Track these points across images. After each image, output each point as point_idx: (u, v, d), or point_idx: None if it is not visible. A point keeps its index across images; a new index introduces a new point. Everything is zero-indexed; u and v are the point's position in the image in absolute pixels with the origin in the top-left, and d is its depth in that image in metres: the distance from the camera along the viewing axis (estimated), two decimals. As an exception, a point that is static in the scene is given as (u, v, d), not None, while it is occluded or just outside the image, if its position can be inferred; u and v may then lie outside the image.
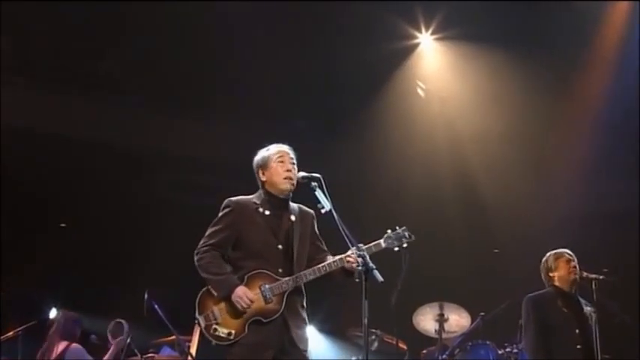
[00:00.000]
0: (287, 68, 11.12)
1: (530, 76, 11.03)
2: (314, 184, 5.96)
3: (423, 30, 11.23)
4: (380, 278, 5.47)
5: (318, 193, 5.90)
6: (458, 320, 9.95)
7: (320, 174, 5.99)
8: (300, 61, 11.11)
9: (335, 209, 5.75)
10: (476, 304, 9.97)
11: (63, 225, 11.92)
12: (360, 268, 5.64)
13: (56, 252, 10.92)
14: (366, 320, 5.46)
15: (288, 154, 6.24)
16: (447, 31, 11.13)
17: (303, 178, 6.07)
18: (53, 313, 10.07)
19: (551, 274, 8.05)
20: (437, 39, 11.34)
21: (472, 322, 9.81)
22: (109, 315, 10.33)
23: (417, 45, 11.45)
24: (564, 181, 11.66)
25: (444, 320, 9.91)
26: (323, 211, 5.83)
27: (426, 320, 10.03)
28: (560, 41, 10.78)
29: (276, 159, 6.18)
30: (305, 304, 6.14)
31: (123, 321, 9.41)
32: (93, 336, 9.63)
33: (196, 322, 5.98)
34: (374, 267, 5.54)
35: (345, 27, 10.76)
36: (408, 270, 7.68)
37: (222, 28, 10.45)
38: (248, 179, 6.29)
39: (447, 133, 12.01)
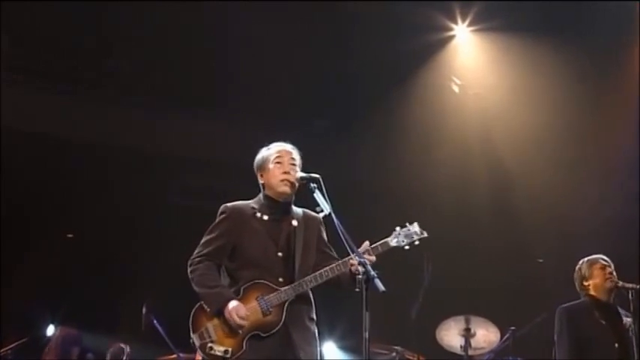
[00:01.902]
0: (308, 64, 11.08)
1: (574, 71, 10.85)
2: (313, 185, 5.77)
3: (459, 21, 11.11)
4: (382, 287, 5.24)
5: (317, 195, 5.72)
6: (486, 335, 9.83)
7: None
8: (321, 56, 11.06)
9: (335, 212, 5.58)
10: (506, 318, 9.83)
11: (70, 235, 11.84)
12: (360, 276, 5.44)
13: (56, 262, 10.81)
14: (367, 334, 5.29)
15: (290, 153, 6.06)
16: (486, 23, 11.00)
17: (301, 179, 5.90)
18: (51, 330, 9.98)
19: (585, 283, 7.81)
20: (474, 31, 11.22)
21: (502, 338, 9.68)
22: (111, 331, 10.25)
23: (451, 37, 11.35)
24: (606, 182, 11.41)
25: (471, 335, 9.79)
26: (322, 214, 5.67)
27: (450, 335, 9.89)
28: (606, 34, 10.62)
29: (274, 159, 6.02)
30: (314, 316, 5.96)
31: (125, 346, 9.28)
32: (89, 354, 9.53)
33: (191, 341, 5.83)
34: (375, 275, 5.32)
35: (372, 18, 10.65)
36: (431, 280, 7.53)
37: (238, 26, 10.42)
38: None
39: (481, 132, 11.86)
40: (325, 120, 12.06)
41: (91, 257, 11.05)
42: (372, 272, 5.34)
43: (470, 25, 11.14)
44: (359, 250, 5.58)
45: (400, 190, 12.16)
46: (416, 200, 11.76)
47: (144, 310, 8.69)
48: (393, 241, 5.85)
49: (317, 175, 5.83)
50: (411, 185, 12.05)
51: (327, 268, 5.80)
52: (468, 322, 9.79)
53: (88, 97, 11.22)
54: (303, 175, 5.92)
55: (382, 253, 5.75)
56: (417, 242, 5.87)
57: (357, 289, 5.54)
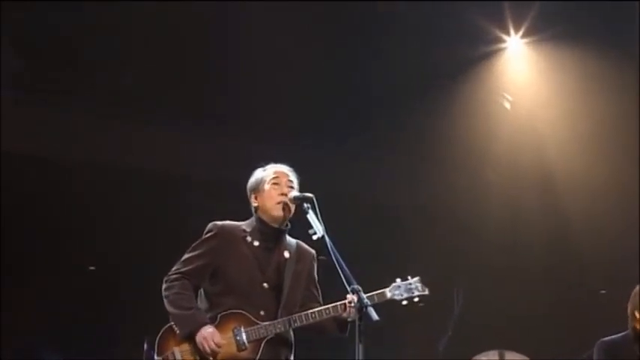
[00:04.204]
0: (338, 78, 10.92)
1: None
2: (306, 205, 5.70)
3: (512, 32, 10.91)
4: (375, 317, 5.15)
5: (311, 216, 5.64)
6: (521, 373, 9.67)
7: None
8: (355, 70, 10.89)
9: (328, 233, 5.49)
10: (544, 354, 9.72)
11: (92, 268, 11.80)
12: (352, 305, 5.35)
13: (61, 295, 10.76)
14: (360, 368, 5.11)
15: (287, 175, 6.00)
16: (541, 33, 10.76)
17: (294, 198, 5.83)
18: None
19: (637, 314, 7.19)
20: (528, 42, 11.01)
21: (539, 375, 9.48)
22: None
23: (503, 50, 11.16)
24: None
25: (505, 372, 9.60)
26: (315, 237, 5.57)
27: (482, 372, 9.72)
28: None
29: (270, 181, 5.95)
30: (292, 358, 5.89)
31: None
32: None
33: (153, 365, 5.73)
34: (369, 303, 5.23)
35: (415, 29, 10.48)
36: (462, 311, 7.32)
37: (259, 40, 10.28)
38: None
39: (533, 153, 11.66)
40: (358, 138, 11.90)
41: (94, 289, 10.98)
42: (366, 300, 5.25)
43: (524, 36, 10.89)
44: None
45: (445, 216, 12.03)
46: (463, 227, 11.71)
47: (145, 346, 8.59)
48: (389, 293, 5.78)
49: (311, 195, 5.76)
50: (458, 211, 11.94)
51: (316, 310, 5.73)
52: (502, 357, 9.65)
53: (100, 116, 11.12)
54: (297, 194, 5.86)
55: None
56: (416, 299, 5.80)
57: (350, 320, 5.54)
